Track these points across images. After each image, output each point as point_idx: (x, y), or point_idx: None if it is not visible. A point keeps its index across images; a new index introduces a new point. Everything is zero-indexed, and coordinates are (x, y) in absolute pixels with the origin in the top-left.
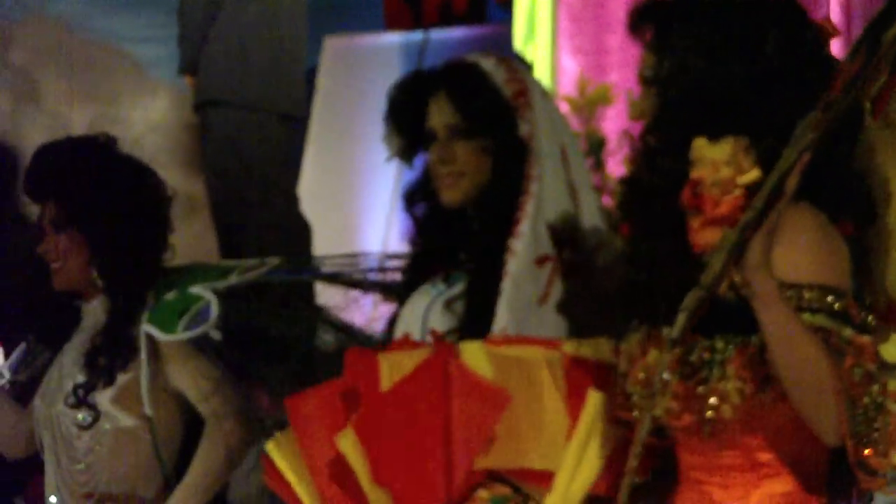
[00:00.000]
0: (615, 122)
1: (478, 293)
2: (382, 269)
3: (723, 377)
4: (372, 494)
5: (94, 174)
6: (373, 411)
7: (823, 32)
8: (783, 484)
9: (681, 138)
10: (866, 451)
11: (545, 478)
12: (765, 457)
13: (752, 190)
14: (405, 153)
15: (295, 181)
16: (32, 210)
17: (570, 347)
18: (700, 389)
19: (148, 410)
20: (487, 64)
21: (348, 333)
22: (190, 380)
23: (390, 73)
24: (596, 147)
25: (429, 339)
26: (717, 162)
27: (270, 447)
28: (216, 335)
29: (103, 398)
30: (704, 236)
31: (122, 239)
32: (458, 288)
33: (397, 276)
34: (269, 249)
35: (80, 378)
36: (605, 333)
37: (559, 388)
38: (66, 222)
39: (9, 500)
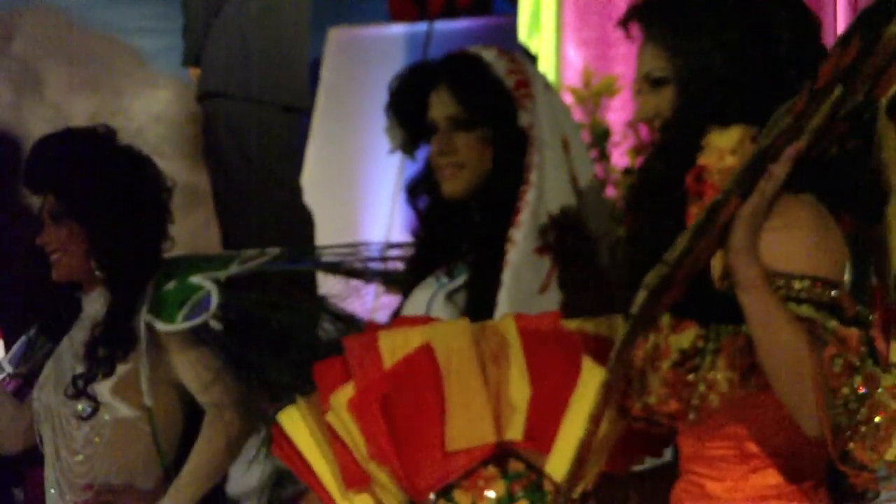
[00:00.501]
0: (620, 114)
1: (479, 284)
2: (384, 259)
3: (713, 366)
4: (368, 470)
5: (91, 165)
6: (371, 389)
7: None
8: (774, 476)
9: (699, 132)
10: (851, 445)
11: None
12: (754, 448)
13: None
14: (407, 145)
15: (298, 173)
16: (34, 202)
17: (574, 324)
18: (690, 377)
19: (147, 401)
20: (489, 55)
21: (349, 323)
22: (190, 370)
23: (394, 65)
24: (600, 138)
25: None
26: (723, 150)
27: (283, 417)
28: (217, 325)
29: (103, 389)
30: None
31: (120, 230)
32: (461, 280)
33: (399, 266)
34: (271, 240)
35: (80, 369)
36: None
37: (516, 352)
38: (64, 214)
39: (8, 492)
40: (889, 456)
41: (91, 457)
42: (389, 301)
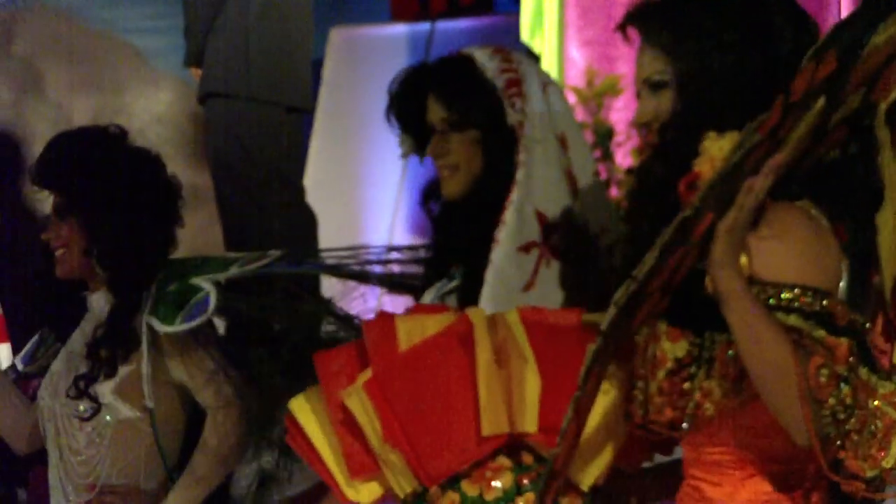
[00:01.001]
0: (623, 114)
1: (468, 286)
2: (384, 262)
3: (708, 374)
4: (382, 454)
5: (95, 163)
6: (389, 372)
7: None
8: (771, 481)
9: (697, 136)
10: (842, 454)
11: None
12: (750, 454)
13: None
14: (416, 148)
15: (300, 173)
16: (39, 199)
17: (588, 317)
18: (686, 385)
19: (149, 402)
20: (482, 55)
21: (352, 325)
22: (189, 371)
23: (396, 65)
24: (603, 138)
25: None
26: (715, 158)
27: (294, 405)
28: (220, 326)
29: (105, 390)
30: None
31: (123, 230)
32: (455, 282)
33: (400, 269)
34: (274, 241)
35: (83, 369)
36: None
37: (522, 344)
38: (67, 210)
39: (12, 492)
40: (887, 463)
41: (93, 457)
42: (390, 302)
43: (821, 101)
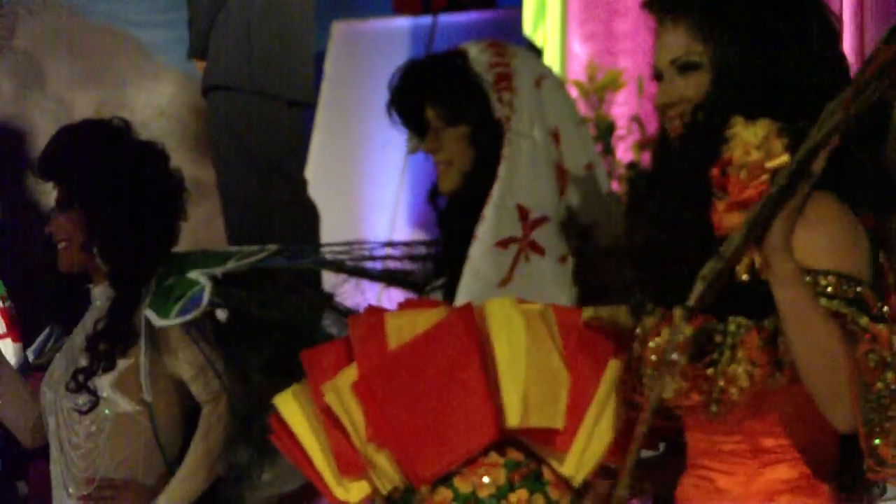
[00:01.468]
0: (624, 108)
1: (453, 281)
2: (384, 258)
3: (733, 360)
4: (365, 452)
5: (97, 157)
6: (376, 370)
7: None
8: (787, 471)
9: (727, 120)
10: (877, 441)
11: (553, 438)
12: (769, 443)
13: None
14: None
15: (302, 166)
16: (42, 191)
17: (587, 312)
18: (710, 371)
19: (147, 396)
20: (475, 50)
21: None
22: (185, 365)
23: (399, 59)
24: (605, 132)
25: None
26: (749, 144)
27: (280, 402)
28: (221, 320)
29: (104, 383)
30: (729, 219)
31: (123, 222)
32: (443, 279)
33: (396, 265)
34: (275, 234)
35: (83, 363)
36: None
37: (555, 341)
38: (68, 203)
39: (12, 484)
40: None
41: (92, 451)
42: (394, 296)
43: (880, 85)
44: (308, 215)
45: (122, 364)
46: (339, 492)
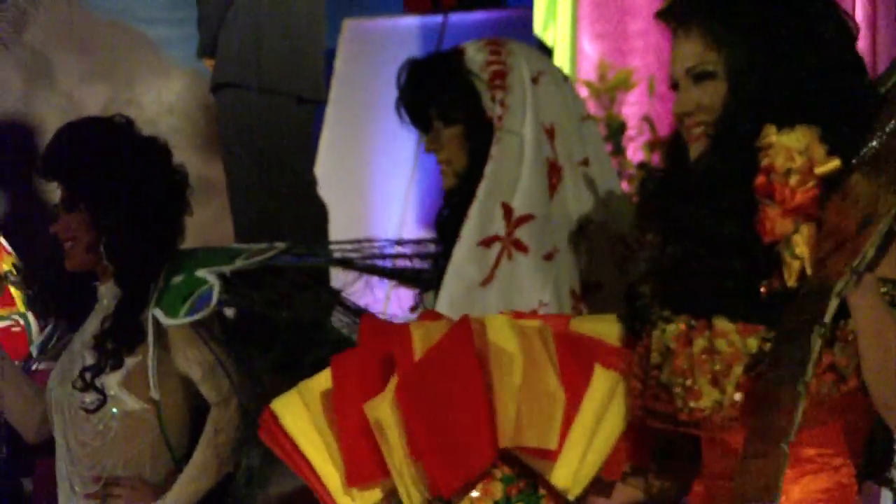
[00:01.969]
0: (635, 108)
1: (439, 282)
2: (392, 256)
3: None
4: (401, 466)
5: (99, 154)
6: (409, 382)
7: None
8: (825, 480)
9: (755, 129)
10: None
11: (548, 452)
12: (810, 452)
13: (826, 179)
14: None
15: (311, 164)
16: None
17: (576, 323)
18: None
19: (154, 395)
20: (472, 49)
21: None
22: (193, 364)
23: (409, 57)
24: (615, 132)
25: None
26: (792, 150)
27: (279, 406)
28: (230, 318)
29: (111, 381)
30: (782, 226)
31: (129, 220)
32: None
33: (406, 263)
34: (284, 232)
35: (90, 360)
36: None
37: (552, 361)
38: (74, 202)
39: (18, 481)
40: None
41: (99, 449)
42: (403, 294)
43: None
44: (317, 213)
45: (129, 362)
46: (343, 501)
